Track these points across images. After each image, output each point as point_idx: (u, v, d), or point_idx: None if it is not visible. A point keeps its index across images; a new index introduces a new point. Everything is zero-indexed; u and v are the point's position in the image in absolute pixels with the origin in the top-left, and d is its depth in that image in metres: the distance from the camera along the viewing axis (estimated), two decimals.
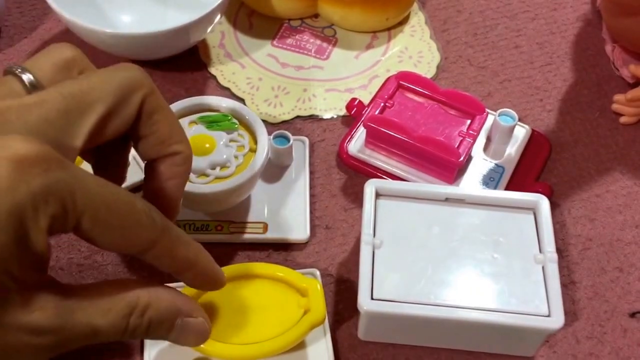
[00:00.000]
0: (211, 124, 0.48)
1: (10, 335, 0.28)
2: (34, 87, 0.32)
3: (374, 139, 0.53)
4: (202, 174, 0.46)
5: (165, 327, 0.33)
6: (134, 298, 0.32)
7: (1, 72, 0.34)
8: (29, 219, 0.27)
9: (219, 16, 0.58)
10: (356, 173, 0.54)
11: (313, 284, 0.41)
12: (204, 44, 0.63)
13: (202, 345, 0.37)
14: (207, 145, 0.47)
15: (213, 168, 0.46)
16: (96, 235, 0.29)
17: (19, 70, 0.33)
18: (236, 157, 0.47)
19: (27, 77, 0.32)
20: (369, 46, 0.64)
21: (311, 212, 0.52)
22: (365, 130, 0.53)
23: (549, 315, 0.41)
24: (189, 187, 0.43)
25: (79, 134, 0.31)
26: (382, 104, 0.54)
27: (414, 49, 0.64)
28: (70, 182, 0.28)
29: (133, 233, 0.30)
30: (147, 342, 0.44)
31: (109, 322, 0.31)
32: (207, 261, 0.34)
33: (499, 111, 0.54)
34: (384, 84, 0.59)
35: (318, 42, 0.64)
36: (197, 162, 0.45)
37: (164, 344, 0.43)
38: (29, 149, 0.27)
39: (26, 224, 0.27)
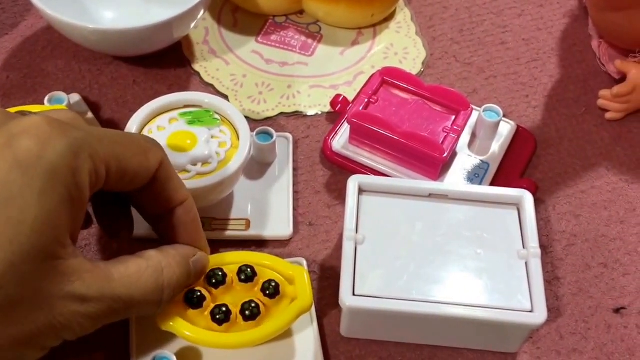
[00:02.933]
0: (192, 120, 0.47)
1: (61, 305, 0.31)
2: None
3: (358, 135, 0.53)
4: (183, 170, 0.45)
5: (187, 273, 0.38)
6: (157, 262, 0.36)
7: None
8: (78, 160, 0.31)
9: (202, 12, 0.57)
10: (340, 169, 0.54)
11: (300, 271, 0.41)
12: (187, 40, 0.63)
13: (189, 333, 0.38)
14: (189, 142, 0.46)
15: (194, 164, 0.45)
16: (122, 170, 0.34)
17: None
18: (218, 153, 0.46)
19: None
20: (354, 42, 0.64)
21: (294, 209, 0.51)
22: (349, 127, 0.53)
23: (531, 311, 0.41)
24: None
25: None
26: (366, 100, 0.53)
27: (400, 46, 0.64)
28: (88, 137, 0.33)
29: (144, 156, 0.35)
30: (133, 332, 0.43)
31: (141, 290, 0.35)
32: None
33: (483, 107, 0.54)
34: (368, 80, 0.59)
35: (303, 38, 0.64)
36: (178, 158, 0.45)
37: (149, 334, 0.42)
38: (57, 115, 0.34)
39: (76, 165, 0.31)
